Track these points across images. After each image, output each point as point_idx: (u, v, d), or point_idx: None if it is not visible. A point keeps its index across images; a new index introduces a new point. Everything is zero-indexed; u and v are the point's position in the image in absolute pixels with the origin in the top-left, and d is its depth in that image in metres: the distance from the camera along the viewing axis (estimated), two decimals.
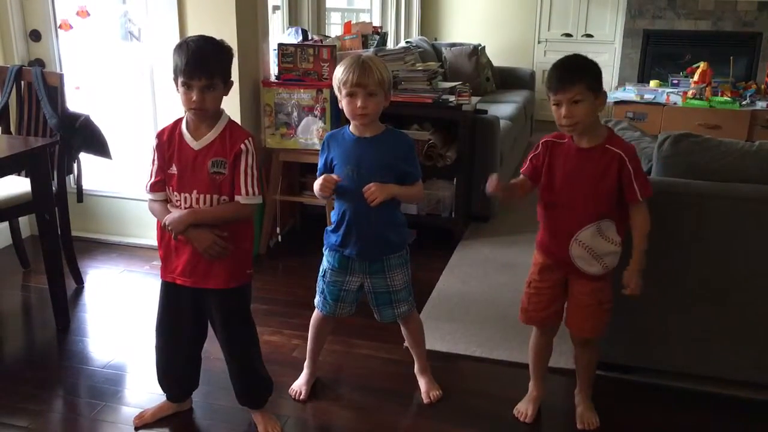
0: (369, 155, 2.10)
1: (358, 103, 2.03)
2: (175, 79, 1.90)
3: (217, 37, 1.94)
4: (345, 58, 2.11)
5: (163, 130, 2.00)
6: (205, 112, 1.91)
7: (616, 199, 1.98)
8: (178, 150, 1.95)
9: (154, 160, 1.99)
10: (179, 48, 1.88)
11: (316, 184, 2.12)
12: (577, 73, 1.92)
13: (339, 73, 2.06)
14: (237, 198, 1.96)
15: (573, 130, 1.96)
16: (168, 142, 1.97)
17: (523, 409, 2.28)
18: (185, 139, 1.95)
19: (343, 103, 2.08)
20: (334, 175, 2.10)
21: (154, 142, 2.00)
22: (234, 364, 2.14)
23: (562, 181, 2.02)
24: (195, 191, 1.95)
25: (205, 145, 1.94)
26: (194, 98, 1.87)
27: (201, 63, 1.85)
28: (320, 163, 2.19)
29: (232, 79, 1.96)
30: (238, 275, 2.03)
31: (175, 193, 1.97)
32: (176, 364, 2.18)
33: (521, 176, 2.13)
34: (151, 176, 2.00)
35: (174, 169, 1.96)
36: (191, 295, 2.05)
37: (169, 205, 2.00)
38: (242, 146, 1.94)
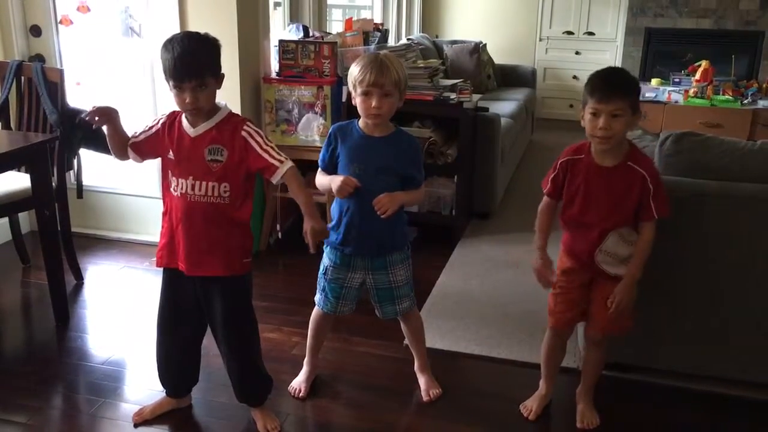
0: (377, 156, 2.09)
1: (373, 104, 2.02)
2: (167, 79, 1.90)
3: (216, 33, 1.93)
4: (362, 56, 2.09)
5: (168, 117, 2.01)
6: (200, 110, 1.92)
7: (635, 210, 2.00)
8: (178, 136, 1.97)
9: (151, 127, 2.02)
10: (165, 48, 1.86)
11: (334, 184, 2.07)
12: (623, 88, 1.92)
13: (355, 71, 2.03)
14: (277, 173, 1.94)
15: (605, 142, 1.94)
16: (168, 128, 1.99)
17: (530, 405, 2.29)
18: (183, 126, 1.97)
19: (357, 101, 2.06)
20: (354, 179, 2.06)
21: (163, 115, 2.02)
22: (232, 361, 2.13)
23: (584, 199, 2.02)
24: (191, 177, 1.95)
25: (201, 133, 1.94)
26: (188, 100, 1.87)
27: (189, 64, 1.84)
28: (324, 152, 2.16)
29: (223, 72, 1.95)
30: (233, 264, 2.02)
31: (174, 178, 1.98)
32: (176, 357, 2.18)
33: (544, 199, 2.12)
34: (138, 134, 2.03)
35: (171, 155, 1.97)
36: (191, 284, 2.05)
37: (172, 188, 1.99)
38: (243, 133, 1.94)
